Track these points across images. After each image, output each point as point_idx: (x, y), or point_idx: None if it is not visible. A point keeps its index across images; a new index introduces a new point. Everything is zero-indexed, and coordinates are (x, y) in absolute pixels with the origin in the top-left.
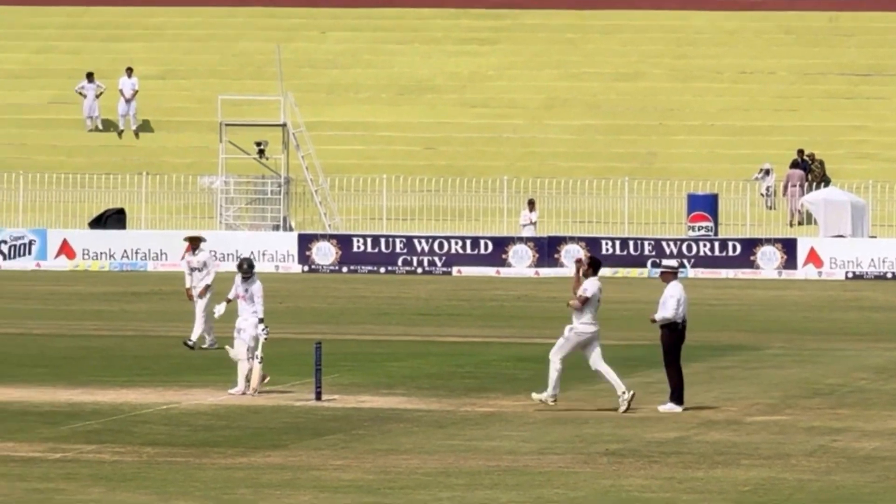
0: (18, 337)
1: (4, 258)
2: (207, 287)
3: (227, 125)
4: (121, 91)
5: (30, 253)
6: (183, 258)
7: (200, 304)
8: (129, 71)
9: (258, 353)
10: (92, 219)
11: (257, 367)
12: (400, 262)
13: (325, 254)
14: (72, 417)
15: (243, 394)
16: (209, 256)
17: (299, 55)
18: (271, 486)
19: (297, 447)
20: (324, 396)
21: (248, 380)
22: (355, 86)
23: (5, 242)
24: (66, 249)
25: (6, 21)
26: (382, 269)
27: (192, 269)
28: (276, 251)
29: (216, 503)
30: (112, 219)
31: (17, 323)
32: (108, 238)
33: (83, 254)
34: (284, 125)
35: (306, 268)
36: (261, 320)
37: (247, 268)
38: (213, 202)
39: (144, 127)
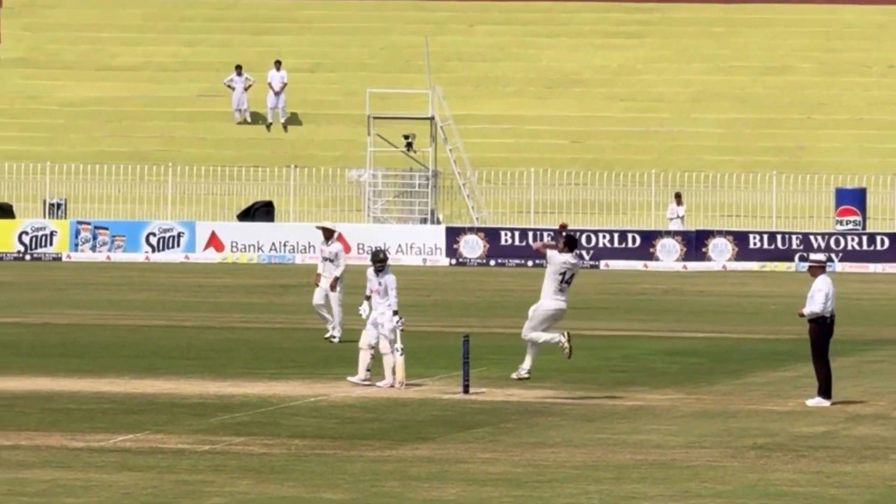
0: (167, 329)
1: (153, 250)
2: (337, 279)
3: (375, 118)
4: (270, 84)
5: (178, 245)
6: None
7: (334, 298)
8: (278, 64)
9: (398, 345)
10: (240, 211)
11: (400, 360)
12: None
13: (472, 247)
14: (220, 409)
15: (391, 386)
16: (341, 248)
17: (447, 48)
18: (419, 479)
19: (444, 440)
20: (472, 389)
21: (394, 372)
22: (503, 79)
23: (154, 235)
24: (214, 242)
25: (156, 14)
26: (530, 263)
27: (325, 259)
28: (423, 244)
29: (364, 496)
30: (260, 211)
31: (165, 315)
32: (257, 230)
33: (231, 246)
34: (432, 118)
35: (454, 261)
36: (395, 312)
37: (382, 258)
38: (360, 195)
39: (293, 120)
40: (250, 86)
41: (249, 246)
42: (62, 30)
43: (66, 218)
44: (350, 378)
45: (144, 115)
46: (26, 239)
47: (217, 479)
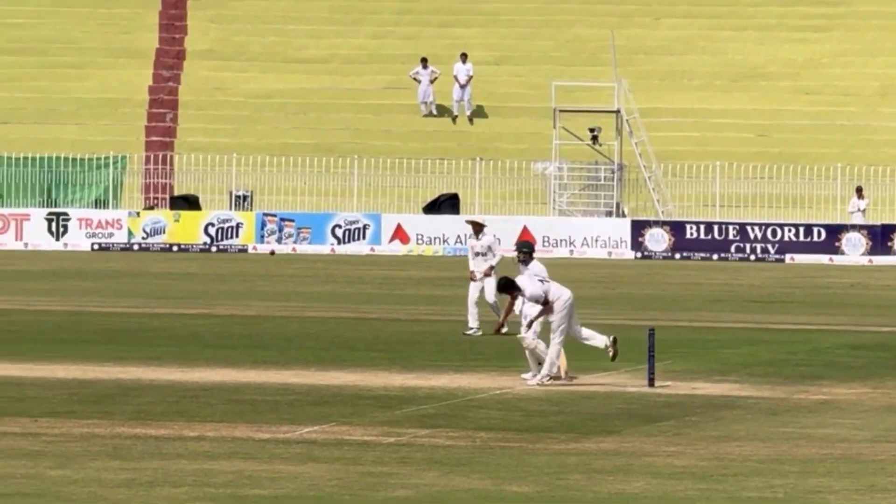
0: (353, 321)
1: (339, 242)
2: (492, 268)
3: (560, 111)
4: (455, 77)
5: (364, 237)
6: (508, 245)
7: (489, 287)
8: (464, 57)
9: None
10: (426, 204)
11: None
12: (733, 249)
13: (657, 240)
14: (406, 401)
15: (558, 378)
16: (493, 241)
17: (633, 41)
18: (604, 472)
19: (629, 433)
20: (657, 383)
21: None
22: (689, 72)
23: (340, 227)
24: (400, 234)
25: (342, 6)
26: (715, 256)
27: (476, 254)
28: (608, 237)
29: (549, 489)
30: (446, 204)
31: (351, 307)
32: (442, 223)
33: (417, 238)
34: (618, 111)
35: (639, 254)
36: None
37: (523, 248)
38: (546, 188)
39: (478, 112)
40: (436, 78)
41: (435, 238)
42: (249, 22)
43: (251, 210)
44: (524, 376)
45: (330, 107)
46: (212, 230)
47: (402, 471)
